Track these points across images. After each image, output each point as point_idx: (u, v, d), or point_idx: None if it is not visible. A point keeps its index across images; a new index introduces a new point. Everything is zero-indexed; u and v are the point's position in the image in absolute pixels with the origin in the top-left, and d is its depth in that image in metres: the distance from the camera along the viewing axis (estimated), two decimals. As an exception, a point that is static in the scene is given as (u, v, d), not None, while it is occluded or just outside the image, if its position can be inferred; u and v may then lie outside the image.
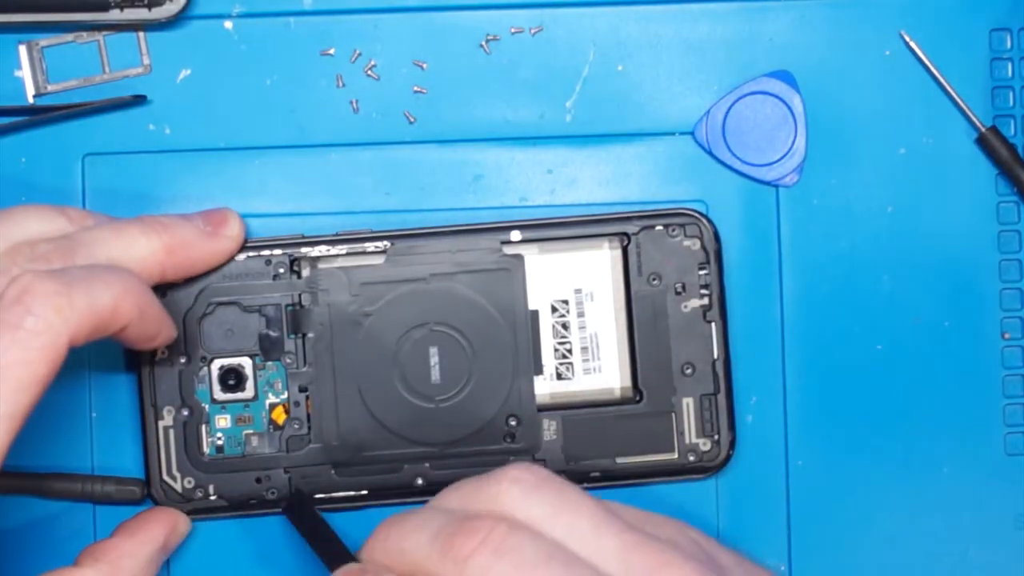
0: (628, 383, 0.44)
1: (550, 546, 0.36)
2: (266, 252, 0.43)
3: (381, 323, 0.43)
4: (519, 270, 0.44)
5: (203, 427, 0.43)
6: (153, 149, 0.44)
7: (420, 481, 0.44)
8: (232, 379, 0.43)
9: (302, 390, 0.44)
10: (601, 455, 0.44)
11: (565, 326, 0.44)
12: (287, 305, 0.43)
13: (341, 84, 0.45)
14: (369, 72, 0.45)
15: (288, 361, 0.44)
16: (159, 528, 0.42)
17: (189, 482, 0.44)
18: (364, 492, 0.44)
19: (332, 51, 0.45)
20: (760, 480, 0.45)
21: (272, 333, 0.43)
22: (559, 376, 0.44)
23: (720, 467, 0.44)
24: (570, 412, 0.44)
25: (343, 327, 0.43)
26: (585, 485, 0.43)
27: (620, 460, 0.44)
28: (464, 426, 0.44)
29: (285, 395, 0.44)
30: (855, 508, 0.46)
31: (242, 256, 0.43)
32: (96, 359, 0.44)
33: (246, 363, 0.44)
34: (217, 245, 0.42)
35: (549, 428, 0.44)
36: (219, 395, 0.43)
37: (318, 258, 0.43)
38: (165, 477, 0.43)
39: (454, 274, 0.44)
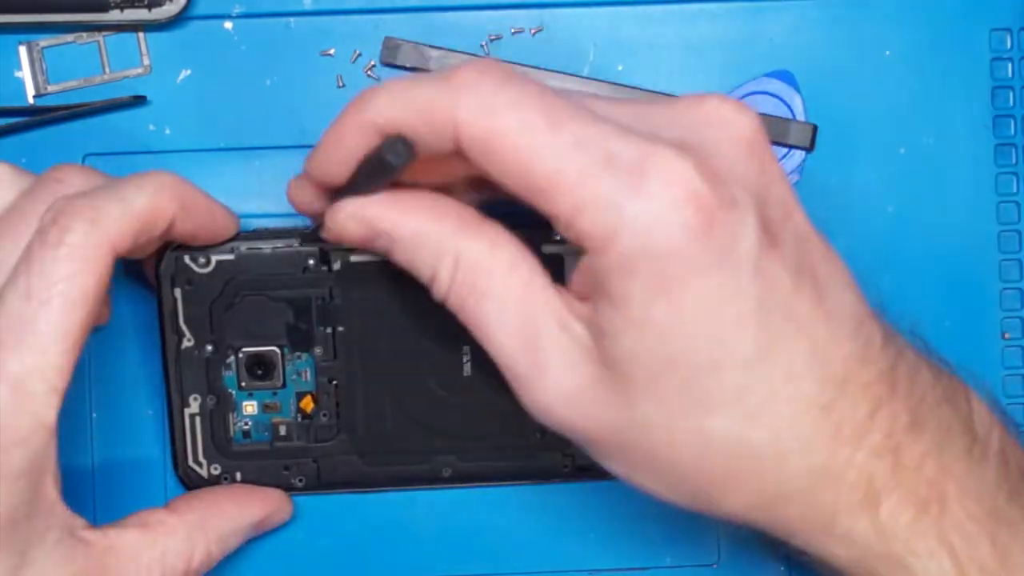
0: None
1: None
2: (296, 244, 0.42)
3: (412, 316, 0.43)
4: None
5: (230, 414, 0.43)
6: (153, 149, 0.44)
7: (447, 472, 0.44)
8: (260, 368, 0.43)
9: (331, 381, 0.43)
10: None
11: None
12: (317, 298, 0.43)
13: (341, 84, 0.45)
14: (369, 72, 0.45)
15: (318, 353, 0.43)
16: (263, 505, 0.42)
17: (216, 468, 0.43)
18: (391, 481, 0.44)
19: (332, 51, 0.45)
20: (760, 480, 0.45)
21: (301, 325, 0.43)
22: None
23: None
24: None
25: (374, 321, 0.43)
26: None
27: None
28: (494, 419, 0.43)
29: (313, 384, 0.43)
30: (855, 508, 0.46)
31: (270, 248, 0.42)
32: (96, 359, 0.44)
33: (274, 352, 0.43)
34: (226, 215, 0.41)
35: None
36: (246, 383, 0.43)
37: (350, 251, 0.42)
38: (191, 463, 0.43)
39: None
